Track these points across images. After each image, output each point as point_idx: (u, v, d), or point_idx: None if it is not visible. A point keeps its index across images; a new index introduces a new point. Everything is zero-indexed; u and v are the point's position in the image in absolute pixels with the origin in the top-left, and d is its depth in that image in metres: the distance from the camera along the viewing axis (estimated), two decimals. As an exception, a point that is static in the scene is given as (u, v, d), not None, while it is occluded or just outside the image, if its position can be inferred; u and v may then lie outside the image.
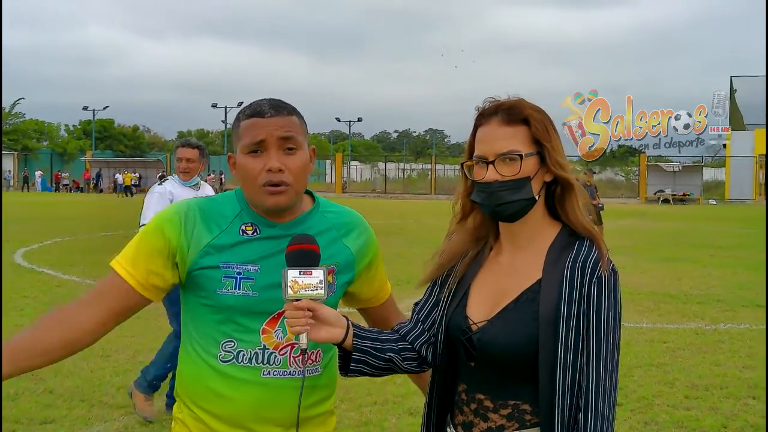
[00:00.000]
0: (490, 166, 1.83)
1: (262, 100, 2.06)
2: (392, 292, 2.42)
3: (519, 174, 1.82)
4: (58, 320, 1.99)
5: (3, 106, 68.62)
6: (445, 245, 2.03)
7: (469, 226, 1.98)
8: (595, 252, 1.82)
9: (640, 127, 49.39)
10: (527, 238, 1.90)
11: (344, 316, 1.94)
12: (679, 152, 50.69)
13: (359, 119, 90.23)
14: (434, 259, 2.05)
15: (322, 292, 1.84)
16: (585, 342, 1.76)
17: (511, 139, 1.83)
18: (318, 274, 1.84)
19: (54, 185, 59.67)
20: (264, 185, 1.99)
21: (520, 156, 1.82)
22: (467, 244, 1.98)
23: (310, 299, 1.83)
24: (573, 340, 1.76)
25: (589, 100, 50.18)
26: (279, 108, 2.03)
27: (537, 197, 1.86)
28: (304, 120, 2.09)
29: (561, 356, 1.76)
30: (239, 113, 2.06)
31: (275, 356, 2.04)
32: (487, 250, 1.97)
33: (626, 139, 50.65)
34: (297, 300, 1.82)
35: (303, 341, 1.84)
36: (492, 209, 1.86)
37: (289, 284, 1.82)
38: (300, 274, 1.83)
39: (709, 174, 55.26)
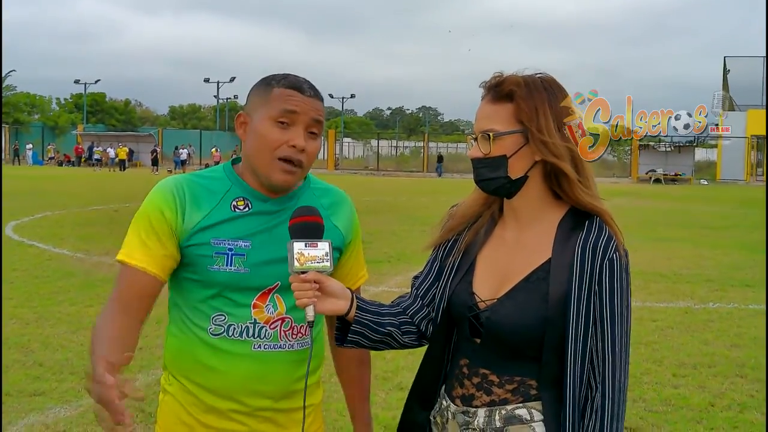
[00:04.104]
0: (474, 143, 1.87)
1: (297, 76, 2.03)
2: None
3: (491, 153, 1.83)
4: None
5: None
6: (457, 208, 2.03)
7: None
8: (605, 232, 1.83)
9: (640, 127, 49.24)
10: (530, 216, 1.88)
11: (348, 288, 1.94)
12: (679, 153, 50.61)
13: (352, 96, 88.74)
14: (443, 222, 2.04)
15: (328, 264, 1.84)
16: (599, 323, 1.77)
17: (491, 117, 1.84)
18: (324, 247, 1.84)
19: (76, 159, 57.11)
20: (280, 159, 1.97)
21: (490, 135, 1.82)
22: (479, 207, 1.98)
23: (317, 271, 1.83)
24: (583, 321, 1.76)
25: (589, 100, 49.79)
26: (315, 91, 2.02)
27: (525, 176, 1.84)
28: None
29: (571, 336, 1.76)
30: (271, 80, 2.01)
31: (266, 330, 2.03)
32: (492, 222, 1.96)
33: (626, 139, 50.46)
34: (303, 272, 1.82)
35: (310, 314, 1.83)
36: (477, 184, 1.91)
37: (295, 256, 1.81)
38: (306, 246, 1.83)
39: (700, 154, 55.29)
